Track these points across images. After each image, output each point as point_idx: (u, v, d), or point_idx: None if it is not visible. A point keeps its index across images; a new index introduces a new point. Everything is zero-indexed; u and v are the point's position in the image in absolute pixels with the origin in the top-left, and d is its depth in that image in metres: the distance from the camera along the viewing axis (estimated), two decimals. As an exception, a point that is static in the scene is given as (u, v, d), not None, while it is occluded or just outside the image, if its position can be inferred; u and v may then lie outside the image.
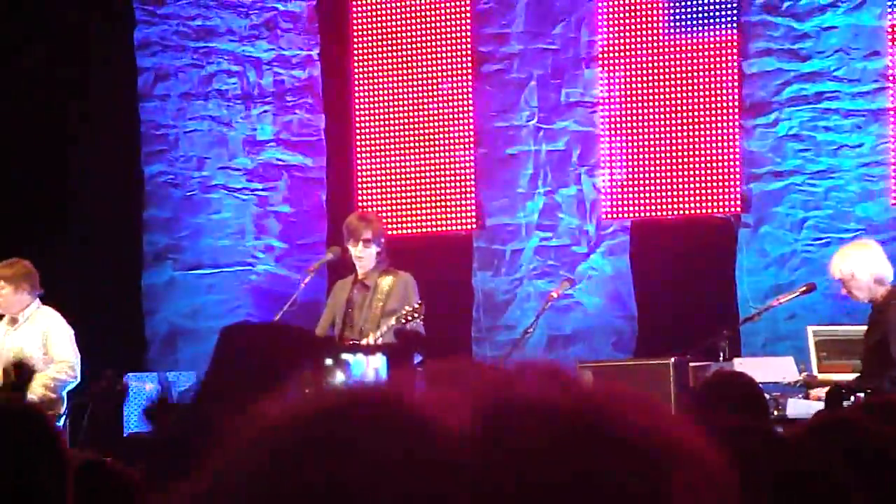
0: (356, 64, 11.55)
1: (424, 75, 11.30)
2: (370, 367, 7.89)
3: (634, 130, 10.75)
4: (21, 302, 9.14)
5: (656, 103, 10.66)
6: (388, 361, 8.12)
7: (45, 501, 2.43)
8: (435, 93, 11.27)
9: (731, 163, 10.51)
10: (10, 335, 9.15)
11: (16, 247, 9.51)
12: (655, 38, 10.67)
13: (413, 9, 11.36)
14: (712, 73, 10.54)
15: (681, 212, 10.61)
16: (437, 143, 11.27)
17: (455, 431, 0.73)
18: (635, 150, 10.74)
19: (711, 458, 0.77)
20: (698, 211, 10.57)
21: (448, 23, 11.25)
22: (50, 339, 9.10)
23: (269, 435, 0.76)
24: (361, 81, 11.52)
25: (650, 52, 10.68)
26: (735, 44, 10.51)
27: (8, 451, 2.46)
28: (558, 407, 0.75)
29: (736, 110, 10.50)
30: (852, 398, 7.52)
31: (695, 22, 10.58)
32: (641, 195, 10.72)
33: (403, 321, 8.53)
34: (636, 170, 10.74)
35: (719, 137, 10.52)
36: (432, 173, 11.28)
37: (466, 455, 0.72)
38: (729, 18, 10.53)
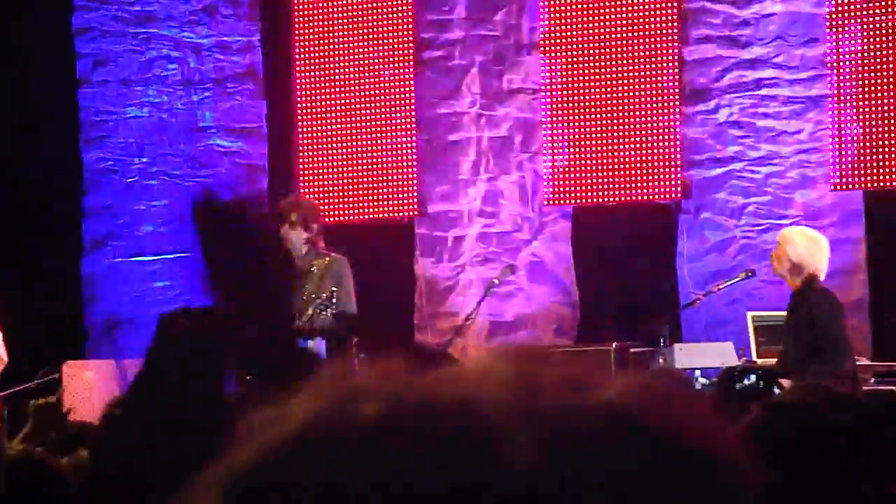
0: (297, 50, 11.50)
1: (366, 62, 11.27)
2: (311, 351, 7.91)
3: (576, 117, 10.78)
4: None
5: (598, 90, 10.69)
6: (326, 345, 8.17)
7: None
8: (376, 79, 11.25)
9: (672, 149, 10.56)
10: None
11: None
12: (596, 24, 10.70)
13: (354, -5, 11.32)
14: (653, 59, 10.58)
15: (622, 198, 10.65)
16: (378, 129, 11.25)
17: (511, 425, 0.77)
18: (577, 137, 10.77)
19: (745, 460, 0.79)
20: (639, 197, 10.62)
21: (389, 9, 11.23)
22: None
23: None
24: (303, 68, 11.48)
25: (591, 38, 10.71)
26: (675, 30, 10.56)
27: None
28: (615, 407, 0.78)
29: (676, 97, 10.55)
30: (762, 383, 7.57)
31: (635, 8, 10.61)
32: (583, 181, 10.75)
33: (318, 310, 8.52)
34: (578, 156, 10.78)
35: (660, 124, 10.57)
36: (374, 160, 11.26)
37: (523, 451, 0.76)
38: (669, 5, 10.57)
